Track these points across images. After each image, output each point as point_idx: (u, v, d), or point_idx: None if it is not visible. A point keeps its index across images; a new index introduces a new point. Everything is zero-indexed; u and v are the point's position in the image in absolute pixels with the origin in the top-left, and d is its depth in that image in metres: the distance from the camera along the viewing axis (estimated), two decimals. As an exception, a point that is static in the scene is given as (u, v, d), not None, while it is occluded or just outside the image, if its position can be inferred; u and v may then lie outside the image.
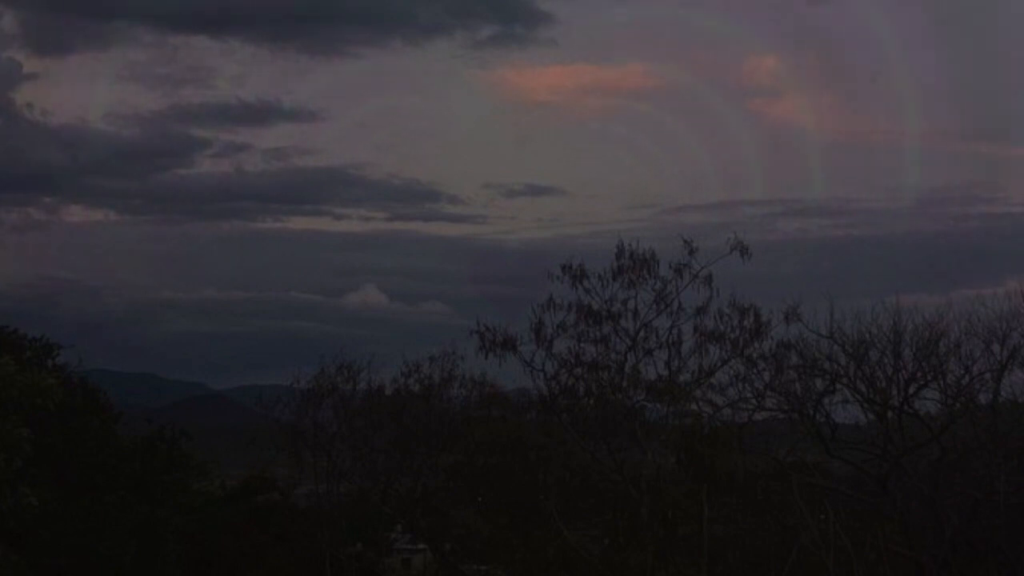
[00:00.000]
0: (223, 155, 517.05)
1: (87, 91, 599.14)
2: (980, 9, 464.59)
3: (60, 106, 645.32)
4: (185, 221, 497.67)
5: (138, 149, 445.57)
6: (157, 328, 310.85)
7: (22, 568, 31.90)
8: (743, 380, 33.11)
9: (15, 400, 31.29)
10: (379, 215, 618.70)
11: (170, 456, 39.64)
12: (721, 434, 30.29)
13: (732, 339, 32.80)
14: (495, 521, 36.40)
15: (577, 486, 34.14)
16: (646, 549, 28.64)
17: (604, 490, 33.65)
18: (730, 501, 30.93)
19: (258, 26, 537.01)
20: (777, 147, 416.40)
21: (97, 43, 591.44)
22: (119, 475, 37.34)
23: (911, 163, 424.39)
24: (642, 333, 33.17)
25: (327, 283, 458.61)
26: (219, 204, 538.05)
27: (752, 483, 30.07)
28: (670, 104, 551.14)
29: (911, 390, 32.31)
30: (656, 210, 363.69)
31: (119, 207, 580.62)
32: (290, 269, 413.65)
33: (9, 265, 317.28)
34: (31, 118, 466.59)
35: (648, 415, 33.53)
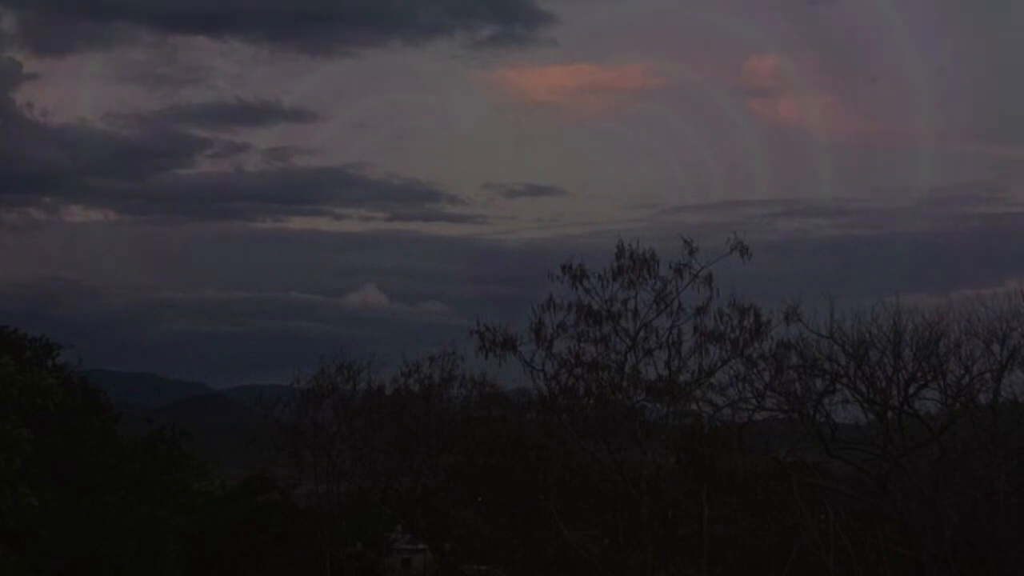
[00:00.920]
0: (223, 155, 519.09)
1: (87, 91, 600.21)
2: (980, 9, 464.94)
3: (60, 106, 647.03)
4: (185, 221, 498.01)
5: (138, 149, 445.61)
6: (157, 328, 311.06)
7: (22, 568, 31.89)
8: (743, 380, 33.14)
9: (15, 400, 31.27)
10: (379, 215, 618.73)
11: (170, 456, 39.64)
12: (721, 434, 30.30)
13: (732, 339, 32.82)
14: (495, 521, 36.41)
15: (577, 486, 34.15)
16: (646, 549, 28.65)
17: (604, 490, 33.66)
18: (730, 501, 30.94)
19: (258, 26, 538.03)
20: (777, 147, 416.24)
21: (97, 43, 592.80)
22: (119, 475, 37.34)
23: (911, 163, 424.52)
24: (642, 333, 33.20)
25: (327, 283, 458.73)
26: (219, 204, 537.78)
27: (752, 483, 30.08)
28: (670, 104, 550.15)
29: (911, 390, 32.29)
30: (656, 210, 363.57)
31: (119, 207, 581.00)
32: (290, 269, 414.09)
33: (9, 265, 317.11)
34: (31, 118, 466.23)
35: (648, 415, 33.54)
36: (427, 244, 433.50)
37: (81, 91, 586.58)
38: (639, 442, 32.35)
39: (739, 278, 33.10)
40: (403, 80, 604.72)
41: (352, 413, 41.35)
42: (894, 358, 32.13)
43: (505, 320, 33.73)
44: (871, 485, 32.32)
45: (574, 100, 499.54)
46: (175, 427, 40.62)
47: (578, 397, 34.20)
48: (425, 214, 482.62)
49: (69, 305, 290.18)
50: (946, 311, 32.16)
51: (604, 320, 33.12)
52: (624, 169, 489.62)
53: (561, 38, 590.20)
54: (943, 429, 31.74)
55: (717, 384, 33.23)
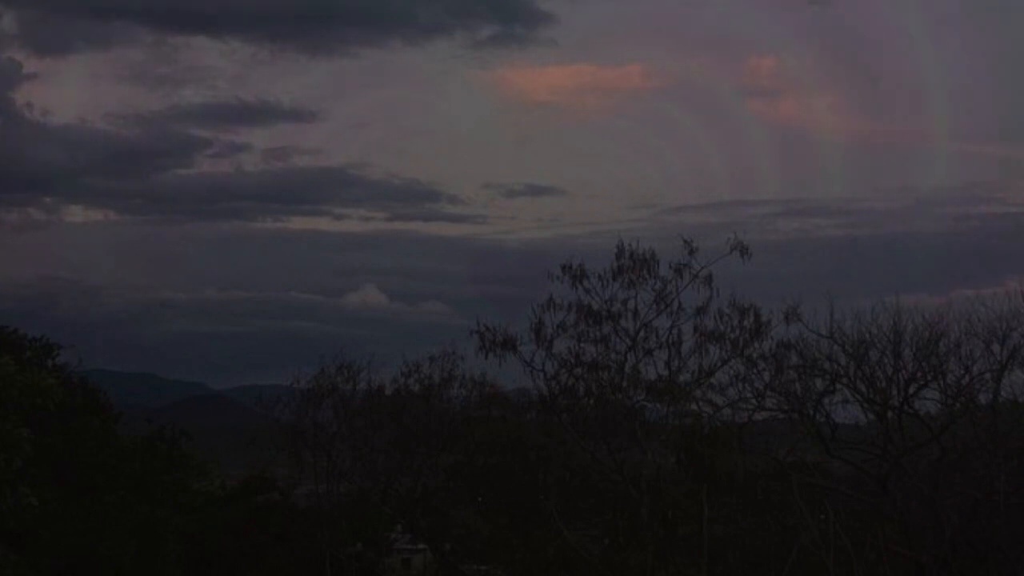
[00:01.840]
0: (223, 155, 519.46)
1: (87, 91, 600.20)
2: (981, 9, 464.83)
3: (60, 106, 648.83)
4: (185, 221, 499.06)
5: (138, 149, 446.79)
6: (157, 328, 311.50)
7: (22, 568, 31.88)
8: (743, 380, 33.13)
9: (15, 400, 31.27)
10: (379, 215, 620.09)
11: (170, 456, 39.64)
12: (721, 434, 30.29)
13: (732, 339, 32.80)
14: (495, 521, 36.40)
15: (577, 486, 34.14)
16: (646, 549, 28.64)
17: (604, 490, 33.65)
18: (730, 501, 30.93)
19: (258, 26, 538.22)
20: (778, 147, 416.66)
21: (97, 43, 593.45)
22: (119, 475, 37.34)
23: (912, 163, 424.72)
24: (642, 333, 33.19)
25: (327, 283, 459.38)
26: (219, 204, 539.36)
27: (752, 483, 30.07)
28: (670, 104, 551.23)
29: (911, 390, 32.29)
30: (656, 210, 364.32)
31: (119, 207, 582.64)
32: (290, 269, 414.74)
33: (9, 265, 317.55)
34: (31, 118, 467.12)
35: (648, 415, 33.53)
36: (427, 244, 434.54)
37: (81, 91, 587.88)
38: (639, 442, 32.34)
39: (739, 278, 33.14)
40: (403, 80, 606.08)
41: (352, 413, 41.35)
42: (894, 358, 32.13)
43: (505, 320, 33.78)
44: (871, 485, 32.31)
45: (574, 100, 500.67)
46: (175, 427, 40.63)
47: (578, 397, 34.19)
48: (425, 214, 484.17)
49: (69, 305, 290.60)
50: (946, 311, 32.23)
51: (604, 320, 33.11)
52: (624, 169, 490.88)
53: (561, 38, 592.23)
54: (943, 429, 31.73)
55: (717, 384, 33.26)
